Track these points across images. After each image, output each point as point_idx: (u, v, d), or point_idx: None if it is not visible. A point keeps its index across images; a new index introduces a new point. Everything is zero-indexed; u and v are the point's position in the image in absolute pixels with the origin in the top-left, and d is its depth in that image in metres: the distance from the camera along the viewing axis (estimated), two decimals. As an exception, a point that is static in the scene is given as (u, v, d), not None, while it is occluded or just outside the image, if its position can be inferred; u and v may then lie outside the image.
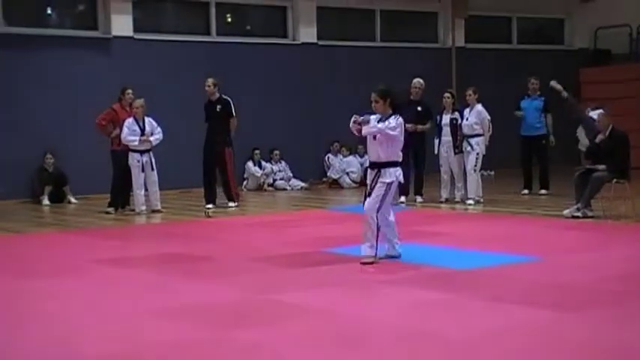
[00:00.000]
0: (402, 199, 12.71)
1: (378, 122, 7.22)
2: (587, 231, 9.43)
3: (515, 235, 9.20)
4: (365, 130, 7.18)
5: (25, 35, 14.31)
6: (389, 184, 7.19)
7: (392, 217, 7.43)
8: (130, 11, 15.18)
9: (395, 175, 7.21)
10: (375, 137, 7.23)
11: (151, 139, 11.85)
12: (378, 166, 7.24)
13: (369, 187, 7.29)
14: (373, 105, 7.29)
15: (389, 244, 7.48)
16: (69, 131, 13.91)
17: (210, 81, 12.43)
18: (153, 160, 11.92)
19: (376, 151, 7.25)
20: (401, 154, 7.34)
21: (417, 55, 17.63)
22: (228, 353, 4.70)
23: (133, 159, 11.82)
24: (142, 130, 11.81)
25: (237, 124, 12.60)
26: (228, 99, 12.48)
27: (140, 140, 11.73)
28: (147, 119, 11.92)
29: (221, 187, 12.66)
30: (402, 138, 7.29)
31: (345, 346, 4.78)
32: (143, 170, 11.81)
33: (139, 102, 11.87)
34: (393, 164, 7.22)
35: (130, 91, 12.17)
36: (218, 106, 12.42)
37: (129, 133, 11.72)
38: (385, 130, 7.14)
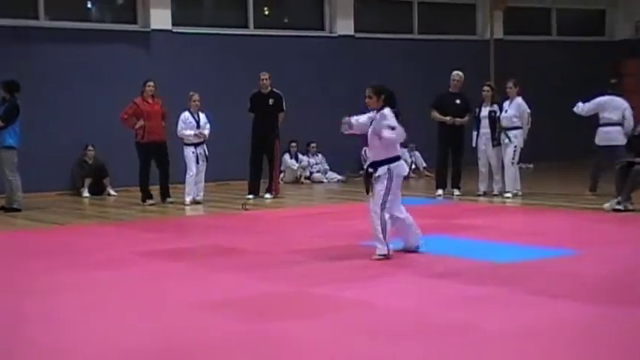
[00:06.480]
0: (439, 192, 12.68)
1: (371, 122, 7.33)
2: (628, 225, 9.32)
3: (554, 229, 9.13)
4: (386, 134, 7.19)
5: (66, 29, 14.49)
6: (388, 178, 7.20)
7: (404, 214, 7.44)
8: (169, 5, 15.30)
9: (388, 168, 7.21)
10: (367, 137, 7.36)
11: (205, 132, 12.25)
12: (374, 166, 7.31)
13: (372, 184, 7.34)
14: (366, 100, 7.44)
15: (404, 240, 7.51)
16: (109, 124, 14.01)
17: (267, 75, 12.82)
18: (207, 152, 12.33)
19: (371, 152, 7.40)
20: (397, 148, 7.36)
21: (455, 48, 17.53)
22: (265, 346, 4.72)
23: (188, 151, 12.18)
24: (198, 123, 12.17)
25: (285, 118, 12.93)
26: (281, 93, 12.79)
27: (195, 134, 12.13)
28: (201, 114, 12.34)
29: (266, 179, 13.01)
30: (397, 135, 7.26)
31: (382, 340, 4.78)
32: (198, 162, 12.22)
33: (197, 96, 12.27)
34: (386, 161, 7.24)
35: (151, 83, 12.32)
36: (270, 100, 12.76)
37: (184, 127, 12.12)
38: (391, 134, 7.19)
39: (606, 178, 11.59)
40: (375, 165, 7.31)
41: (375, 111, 7.40)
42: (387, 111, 7.28)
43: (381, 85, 7.50)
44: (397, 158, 7.34)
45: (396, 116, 7.28)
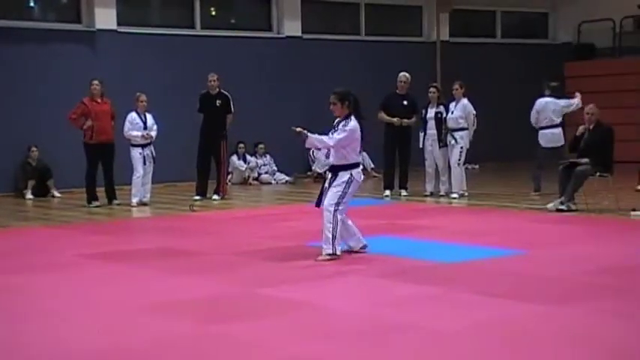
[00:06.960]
0: (387, 192, 12.75)
1: (333, 130, 7.33)
2: (571, 225, 9.49)
3: (499, 229, 9.25)
4: (307, 143, 7.35)
5: (7, 28, 14.21)
6: (347, 182, 7.24)
7: (350, 222, 7.50)
8: (114, 4, 15.11)
9: (350, 173, 7.27)
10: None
11: (152, 134, 12.17)
12: (335, 169, 7.36)
13: (327, 187, 7.36)
14: (331, 107, 7.38)
15: (352, 240, 7.53)
16: (53, 125, 13.80)
17: (215, 76, 12.84)
18: (154, 153, 12.22)
19: (332, 156, 7.41)
20: (358, 156, 7.44)
21: (401, 49, 17.65)
22: (213, 347, 4.70)
23: (135, 152, 12.09)
24: (145, 124, 12.07)
25: (233, 119, 12.89)
26: (228, 95, 12.80)
27: (142, 135, 12.03)
28: (148, 115, 12.23)
29: (213, 179, 12.95)
30: (356, 141, 7.33)
31: (328, 340, 4.79)
32: (145, 163, 12.11)
33: (144, 97, 12.17)
34: (348, 167, 7.30)
35: (96, 82, 12.15)
36: (218, 101, 12.80)
37: (131, 128, 12.02)
38: (322, 143, 7.30)
39: (547, 177, 11.80)
40: (336, 169, 7.33)
41: (339, 120, 7.32)
42: (352, 124, 7.22)
43: (346, 90, 7.40)
44: (358, 165, 7.40)
45: (362, 128, 7.26)
